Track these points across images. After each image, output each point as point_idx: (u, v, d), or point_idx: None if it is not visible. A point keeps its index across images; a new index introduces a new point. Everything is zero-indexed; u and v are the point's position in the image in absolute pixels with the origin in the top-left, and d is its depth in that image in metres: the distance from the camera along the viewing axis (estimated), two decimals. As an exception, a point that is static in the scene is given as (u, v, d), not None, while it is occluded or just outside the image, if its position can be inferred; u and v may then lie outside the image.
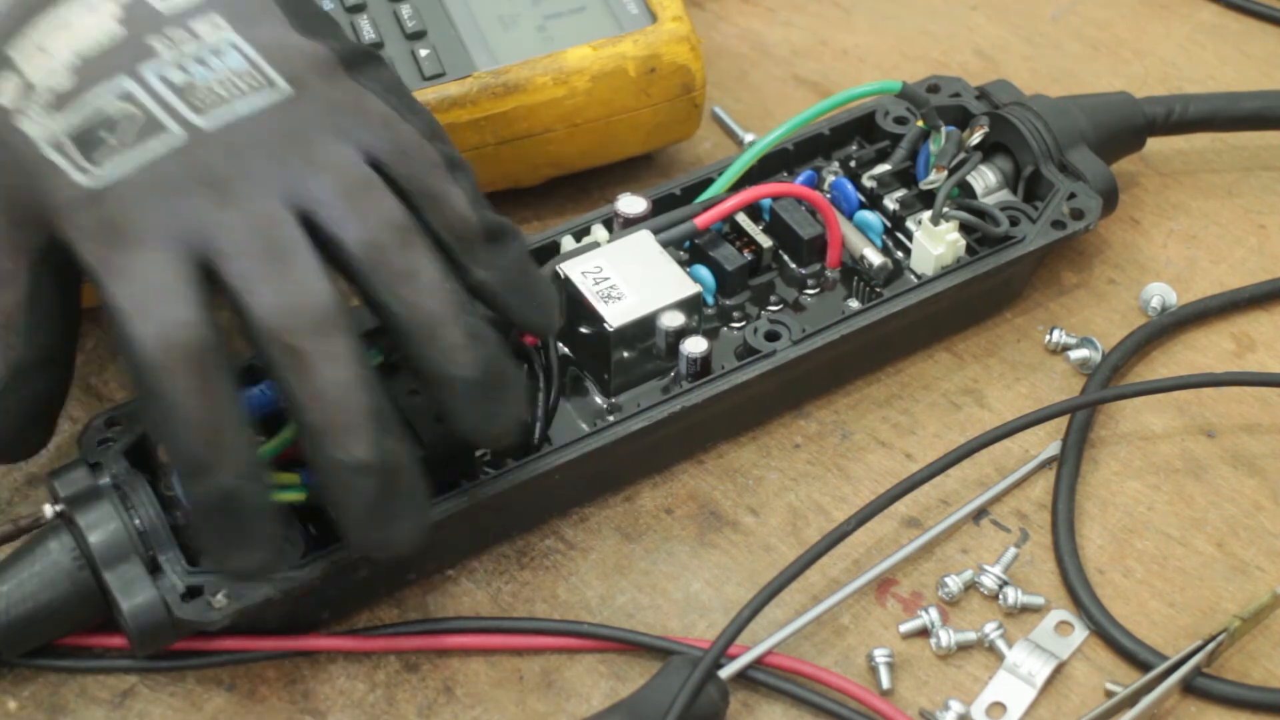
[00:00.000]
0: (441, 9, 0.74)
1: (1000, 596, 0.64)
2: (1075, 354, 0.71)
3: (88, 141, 0.56)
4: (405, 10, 0.73)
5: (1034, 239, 0.70)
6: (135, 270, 0.55)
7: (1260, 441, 0.69)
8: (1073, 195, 0.71)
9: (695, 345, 0.66)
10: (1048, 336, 0.72)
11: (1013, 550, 0.66)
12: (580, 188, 0.77)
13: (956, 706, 0.61)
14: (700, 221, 0.68)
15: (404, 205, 0.58)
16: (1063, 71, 0.83)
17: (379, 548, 0.57)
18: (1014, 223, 0.70)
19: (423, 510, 0.58)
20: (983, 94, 0.74)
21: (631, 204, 0.69)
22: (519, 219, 0.76)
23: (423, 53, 0.72)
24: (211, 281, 0.56)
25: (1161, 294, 0.73)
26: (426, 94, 0.71)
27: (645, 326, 0.66)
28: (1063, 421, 0.69)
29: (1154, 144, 0.79)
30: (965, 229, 0.70)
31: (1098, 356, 0.71)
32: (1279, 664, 0.63)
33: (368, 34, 0.73)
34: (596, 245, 0.68)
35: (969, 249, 0.70)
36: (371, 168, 0.58)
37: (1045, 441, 0.69)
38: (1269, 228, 0.77)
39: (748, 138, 0.79)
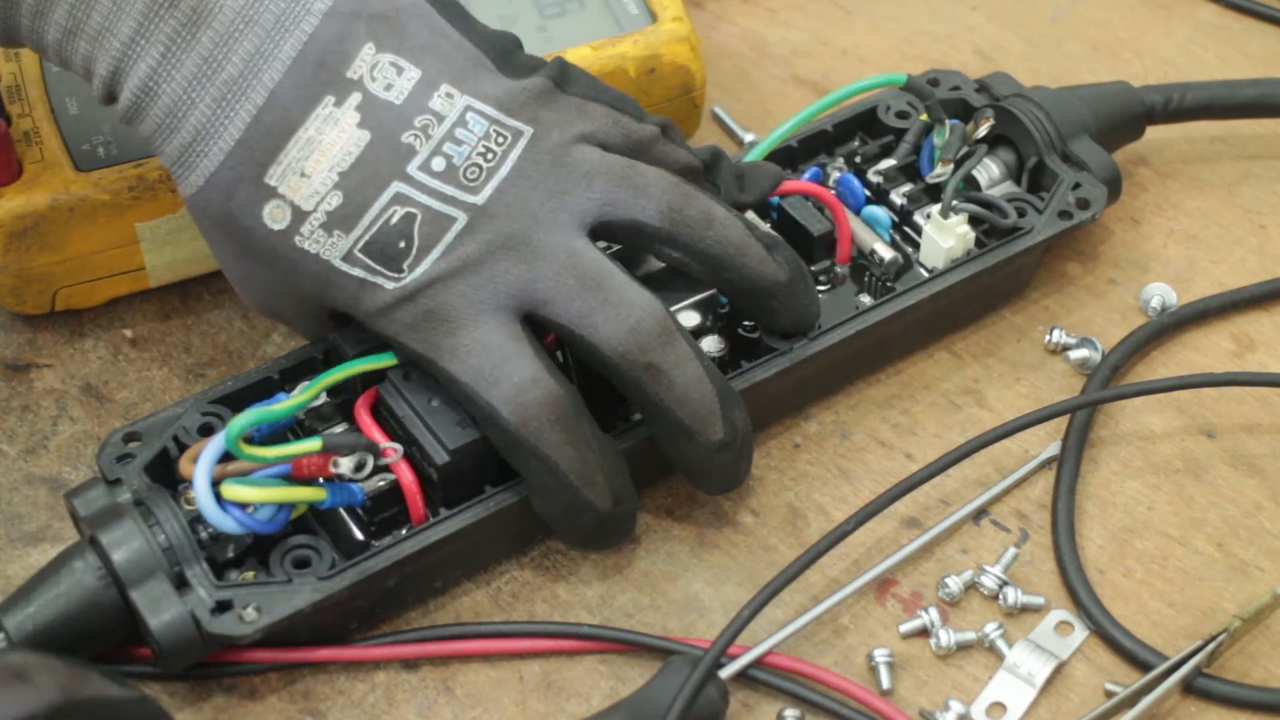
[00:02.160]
0: None
1: (1000, 596, 0.64)
2: (1075, 354, 0.71)
3: (382, 254, 0.60)
4: None
5: (1042, 229, 0.70)
6: (468, 348, 0.60)
7: (1260, 441, 0.69)
8: (1077, 185, 0.71)
9: (712, 344, 0.66)
10: (1048, 336, 0.72)
11: (1013, 550, 0.66)
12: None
13: (956, 706, 0.61)
14: None
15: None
16: (1063, 71, 0.83)
17: (726, 490, 0.65)
18: (1021, 214, 0.70)
19: (751, 456, 0.65)
20: (982, 86, 0.75)
21: None
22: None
23: None
24: (542, 328, 0.61)
25: (1161, 294, 0.73)
26: (426, 94, 0.71)
27: None
28: (1063, 421, 0.69)
29: (1155, 144, 0.79)
30: (973, 221, 0.70)
31: (1098, 356, 0.71)
32: (1279, 664, 0.63)
33: None
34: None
35: (977, 241, 0.70)
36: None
37: (1045, 441, 0.69)
38: (1269, 228, 0.77)
39: (748, 138, 0.79)
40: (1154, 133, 0.78)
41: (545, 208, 0.61)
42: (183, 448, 0.62)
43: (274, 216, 0.61)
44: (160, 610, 0.58)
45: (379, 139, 0.60)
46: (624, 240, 0.63)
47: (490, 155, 0.61)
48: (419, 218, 0.60)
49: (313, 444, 0.59)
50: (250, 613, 0.58)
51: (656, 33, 0.73)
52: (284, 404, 0.60)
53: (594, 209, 0.62)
